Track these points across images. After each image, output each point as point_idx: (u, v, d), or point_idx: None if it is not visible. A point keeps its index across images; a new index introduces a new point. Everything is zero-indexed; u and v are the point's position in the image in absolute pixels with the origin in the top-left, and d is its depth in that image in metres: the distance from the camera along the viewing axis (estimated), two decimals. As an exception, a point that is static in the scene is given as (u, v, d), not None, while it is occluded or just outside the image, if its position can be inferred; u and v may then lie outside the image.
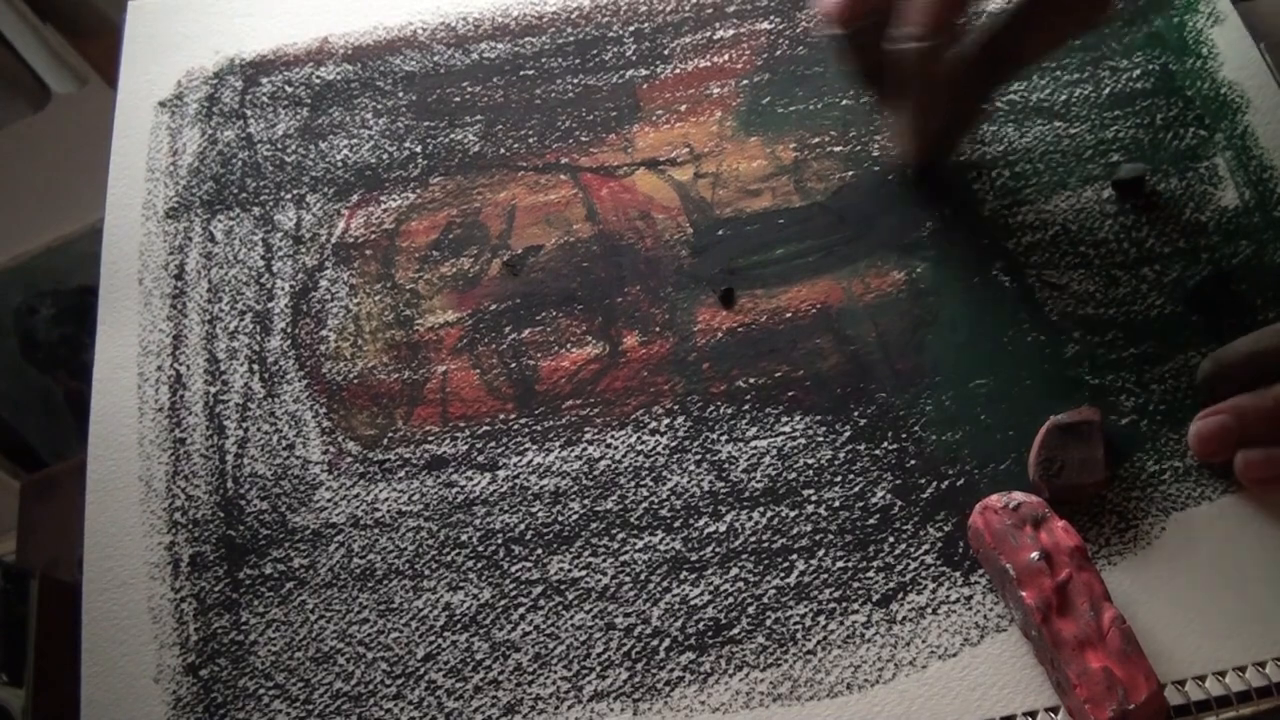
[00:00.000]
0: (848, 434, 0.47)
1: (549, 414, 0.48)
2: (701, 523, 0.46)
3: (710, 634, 0.43)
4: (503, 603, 0.45)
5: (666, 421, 0.48)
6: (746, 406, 0.48)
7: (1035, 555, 0.41)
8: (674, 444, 0.47)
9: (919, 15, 0.44)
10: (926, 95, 0.47)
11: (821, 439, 0.47)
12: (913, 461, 0.46)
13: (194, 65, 0.59)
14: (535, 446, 0.48)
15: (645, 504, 0.46)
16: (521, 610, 0.44)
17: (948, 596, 0.43)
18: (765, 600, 0.44)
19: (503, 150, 0.55)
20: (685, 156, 0.54)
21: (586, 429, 0.48)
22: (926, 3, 0.44)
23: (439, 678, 0.43)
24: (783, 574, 0.44)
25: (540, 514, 0.46)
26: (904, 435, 0.47)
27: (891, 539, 0.45)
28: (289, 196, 0.54)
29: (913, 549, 0.44)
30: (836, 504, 0.46)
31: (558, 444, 0.48)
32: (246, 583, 0.46)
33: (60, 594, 0.59)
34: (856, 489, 0.46)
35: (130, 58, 0.59)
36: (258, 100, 0.57)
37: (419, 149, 0.55)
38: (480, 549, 0.46)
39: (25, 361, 1.10)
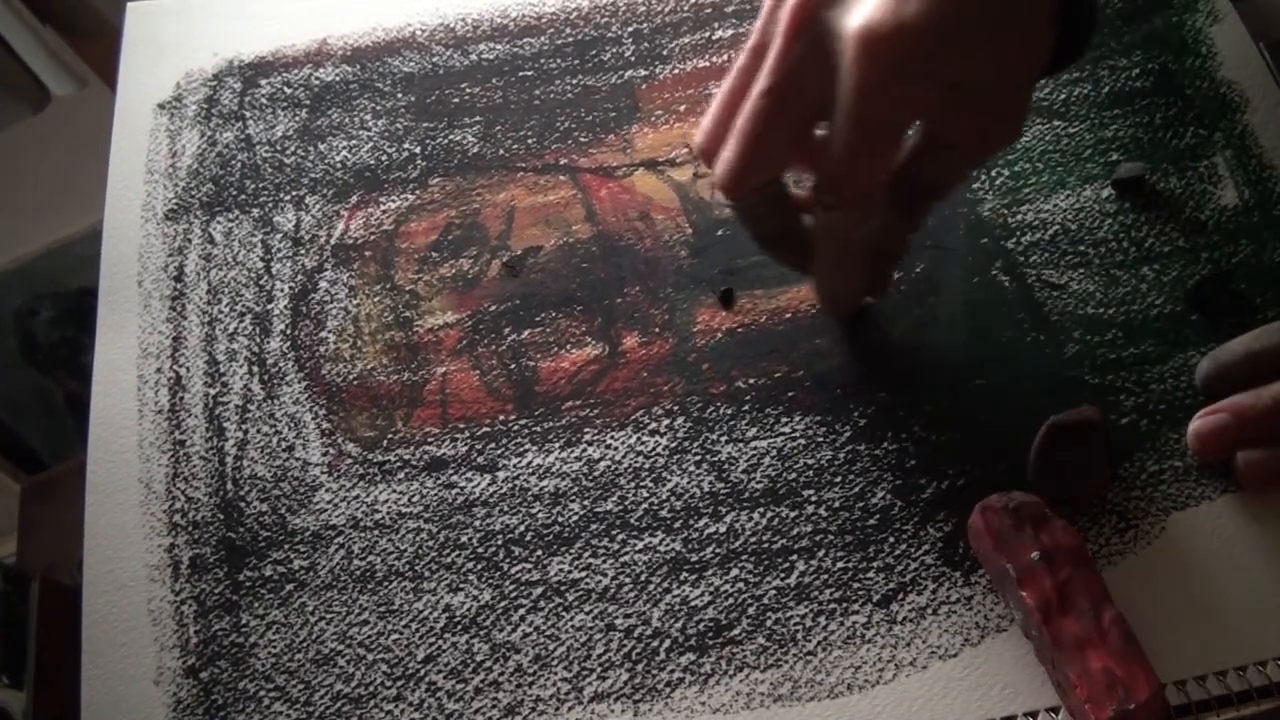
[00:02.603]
0: (848, 434, 0.47)
1: (549, 415, 0.48)
2: (701, 523, 0.45)
3: (711, 635, 0.43)
4: (503, 604, 0.45)
5: (666, 422, 0.48)
6: (746, 407, 0.48)
7: (1035, 555, 0.41)
8: (674, 445, 0.47)
9: (832, 185, 0.40)
10: (842, 258, 0.44)
11: (821, 439, 0.47)
12: (913, 462, 0.46)
13: (193, 67, 0.59)
14: (535, 447, 0.48)
15: (645, 505, 0.46)
16: (522, 611, 0.44)
17: (948, 597, 0.43)
18: (766, 601, 0.44)
19: (502, 151, 0.55)
20: (685, 157, 0.54)
21: (586, 430, 0.48)
22: (839, 173, 0.40)
23: (439, 679, 0.43)
24: (783, 575, 0.44)
25: (540, 515, 0.46)
26: (904, 435, 0.47)
27: (892, 539, 0.45)
28: (288, 198, 0.54)
29: (913, 549, 0.44)
30: (837, 504, 0.45)
31: (558, 445, 0.48)
32: (246, 585, 0.46)
33: (60, 596, 0.59)
34: (857, 489, 0.46)
35: (129, 60, 0.59)
36: (257, 102, 0.57)
37: (418, 150, 0.55)
38: (480, 550, 0.46)
39: (25, 363, 1.10)
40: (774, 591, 0.44)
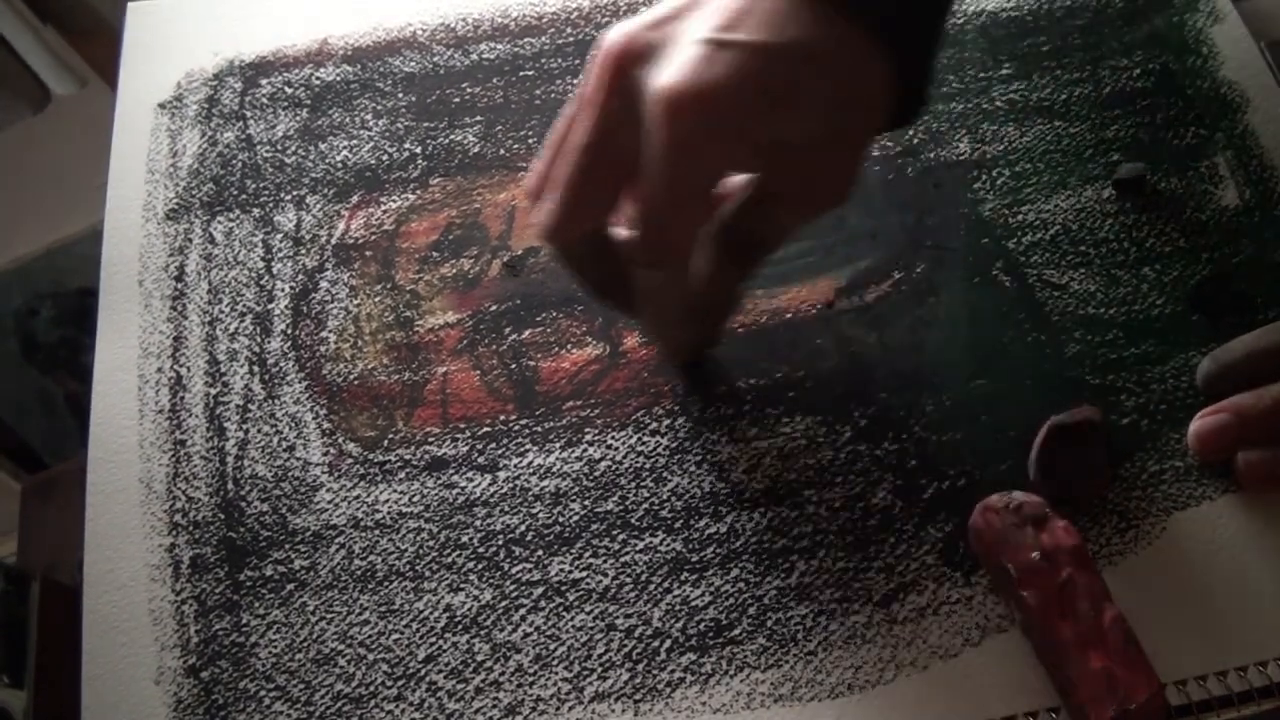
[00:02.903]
0: (848, 434, 0.47)
1: (549, 415, 0.48)
2: (702, 523, 0.45)
3: (711, 635, 0.43)
4: (504, 604, 0.45)
5: (667, 422, 0.48)
6: (747, 407, 0.48)
7: (1036, 555, 0.41)
8: (675, 445, 0.47)
9: (645, 244, 0.39)
10: (665, 313, 0.44)
11: (822, 439, 0.47)
12: (913, 462, 0.46)
13: (194, 67, 0.59)
14: (536, 447, 0.48)
15: (646, 505, 0.46)
16: (522, 611, 0.44)
17: (948, 597, 0.43)
18: (766, 601, 0.44)
19: (503, 151, 0.55)
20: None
21: (587, 430, 0.48)
22: (650, 233, 0.39)
23: (440, 679, 0.43)
24: (783, 575, 0.44)
25: (541, 515, 0.46)
26: (904, 436, 0.47)
27: (892, 539, 0.45)
28: (289, 198, 0.54)
29: (913, 549, 0.44)
30: (837, 504, 0.45)
31: (558, 445, 0.48)
32: (247, 584, 0.46)
33: (61, 596, 0.58)
34: (857, 489, 0.46)
35: (130, 59, 0.59)
36: (257, 101, 0.57)
37: (419, 150, 0.55)
38: (481, 550, 0.46)
39: (25, 363, 1.10)
40: (775, 591, 0.44)
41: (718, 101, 0.36)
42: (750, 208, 0.41)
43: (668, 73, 0.36)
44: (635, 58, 0.37)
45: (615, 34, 0.38)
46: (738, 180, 0.41)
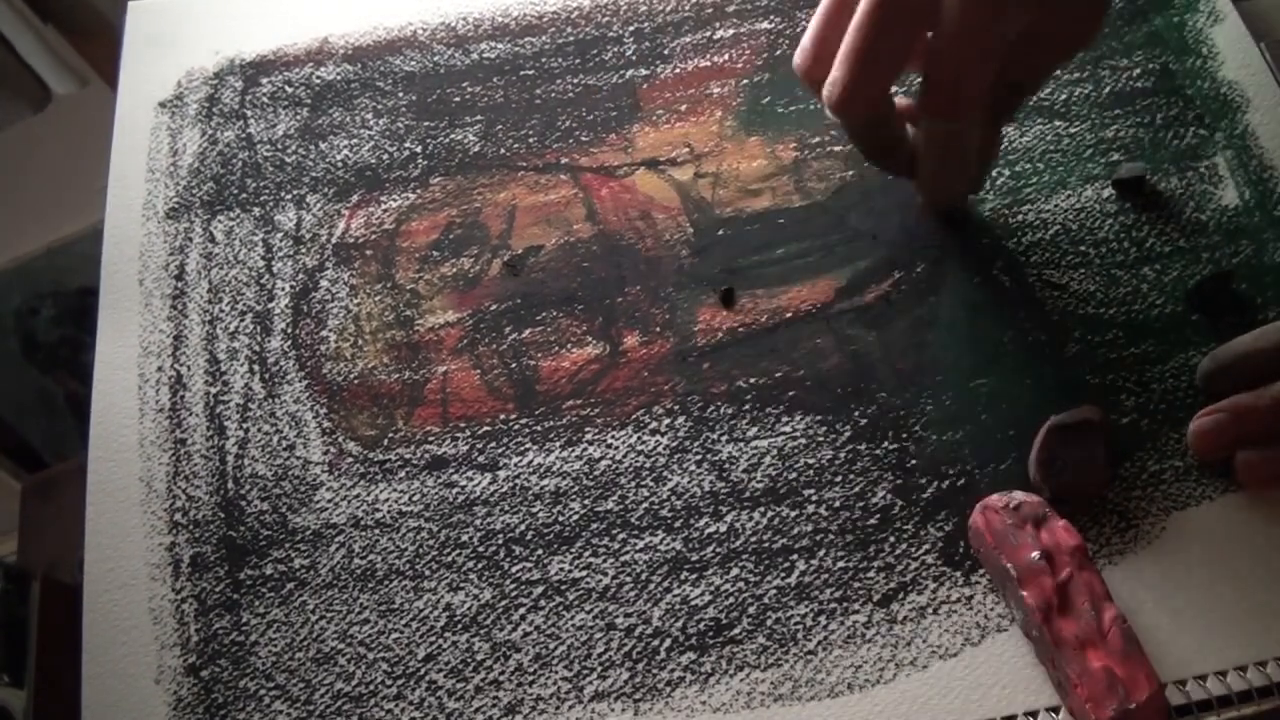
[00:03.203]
0: (848, 434, 0.47)
1: (549, 414, 0.48)
2: (702, 523, 0.46)
3: (711, 634, 0.43)
4: (503, 603, 0.45)
5: (667, 421, 0.48)
6: (747, 406, 0.48)
7: (1036, 555, 0.41)
8: (674, 444, 0.47)
9: (942, 95, 0.42)
10: (949, 161, 0.47)
11: (822, 439, 0.47)
12: (913, 461, 0.46)
13: (194, 66, 0.59)
14: (536, 447, 0.48)
15: (646, 504, 0.46)
16: (522, 610, 0.44)
17: (948, 596, 0.43)
18: (766, 600, 0.44)
19: (503, 150, 0.55)
20: (685, 156, 0.54)
21: (587, 429, 0.48)
22: (950, 83, 0.41)
23: (440, 678, 0.43)
24: (783, 574, 0.44)
25: (541, 514, 0.46)
26: (904, 435, 0.47)
27: (892, 539, 0.45)
28: (289, 197, 0.54)
29: (913, 549, 0.44)
30: (837, 504, 0.46)
31: (558, 444, 0.48)
32: (247, 583, 0.46)
33: (61, 595, 0.59)
34: (857, 489, 0.46)
35: (130, 58, 0.59)
36: (258, 100, 0.57)
37: (419, 149, 0.55)
38: (481, 549, 0.46)
39: (26, 362, 1.10)
40: (774, 591, 0.44)
41: None
42: (1012, 57, 0.43)
43: None
44: None
45: None
46: None
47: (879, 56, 0.41)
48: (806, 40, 0.43)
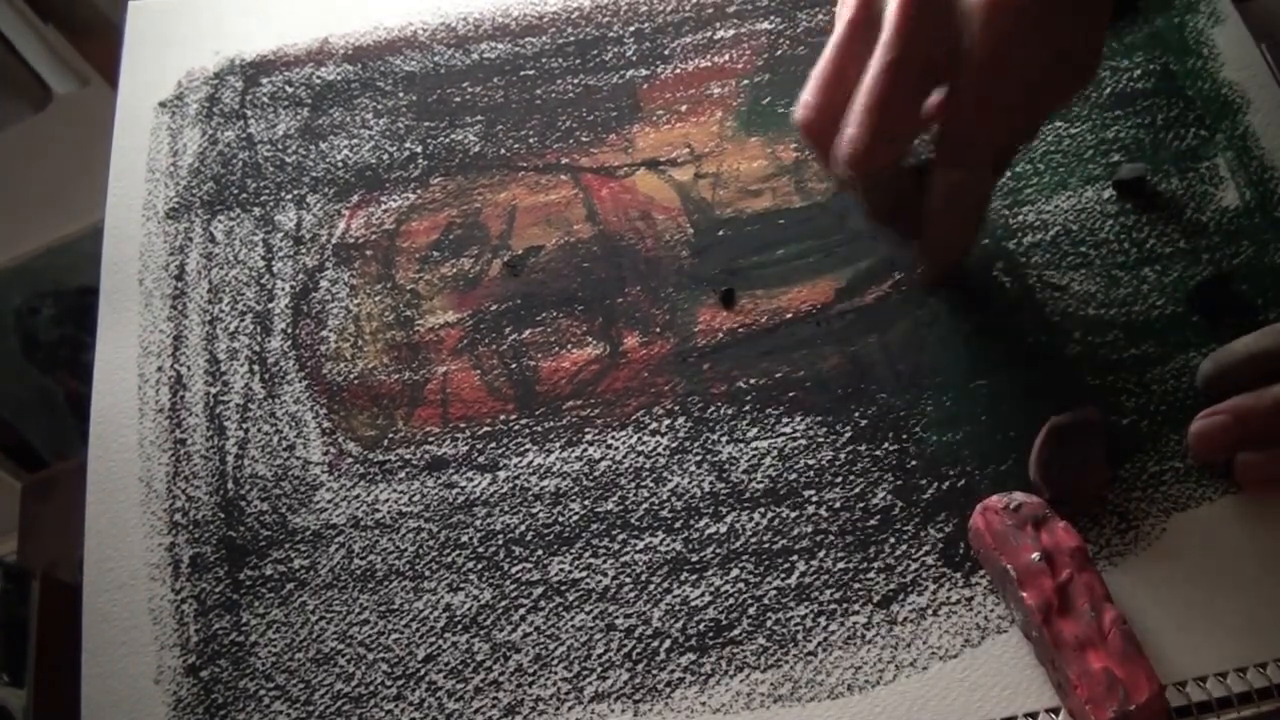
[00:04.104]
0: (848, 435, 0.47)
1: (549, 415, 0.48)
2: (702, 523, 0.45)
3: (711, 635, 0.43)
4: (503, 604, 0.45)
5: (667, 422, 0.48)
6: (747, 407, 0.48)
7: (1036, 556, 0.41)
8: (675, 445, 0.47)
9: (965, 144, 0.42)
10: (962, 214, 0.45)
11: (822, 440, 0.47)
12: (913, 462, 0.46)
13: (194, 65, 0.59)
14: (536, 447, 0.48)
15: (646, 505, 0.46)
16: (522, 611, 0.44)
17: (948, 597, 0.43)
18: (766, 601, 0.44)
19: (503, 150, 0.55)
20: (686, 157, 0.54)
21: (587, 430, 0.48)
22: (972, 132, 0.41)
23: (439, 679, 0.43)
24: (783, 575, 0.44)
25: (541, 515, 0.46)
26: (904, 436, 0.47)
27: (892, 540, 0.45)
28: (289, 197, 0.54)
29: (913, 550, 0.44)
30: (837, 505, 0.45)
31: (558, 445, 0.48)
32: (247, 584, 0.46)
33: (61, 595, 0.58)
34: (857, 490, 0.46)
35: (131, 58, 0.59)
36: (258, 100, 0.57)
37: (419, 149, 0.55)
38: (481, 550, 0.46)
39: (26, 361, 1.10)
40: (774, 592, 0.44)
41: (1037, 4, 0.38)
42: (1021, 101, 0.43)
43: None
44: None
45: None
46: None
47: (895, 112, 0.40)
48: (810, 97, 0.42)
